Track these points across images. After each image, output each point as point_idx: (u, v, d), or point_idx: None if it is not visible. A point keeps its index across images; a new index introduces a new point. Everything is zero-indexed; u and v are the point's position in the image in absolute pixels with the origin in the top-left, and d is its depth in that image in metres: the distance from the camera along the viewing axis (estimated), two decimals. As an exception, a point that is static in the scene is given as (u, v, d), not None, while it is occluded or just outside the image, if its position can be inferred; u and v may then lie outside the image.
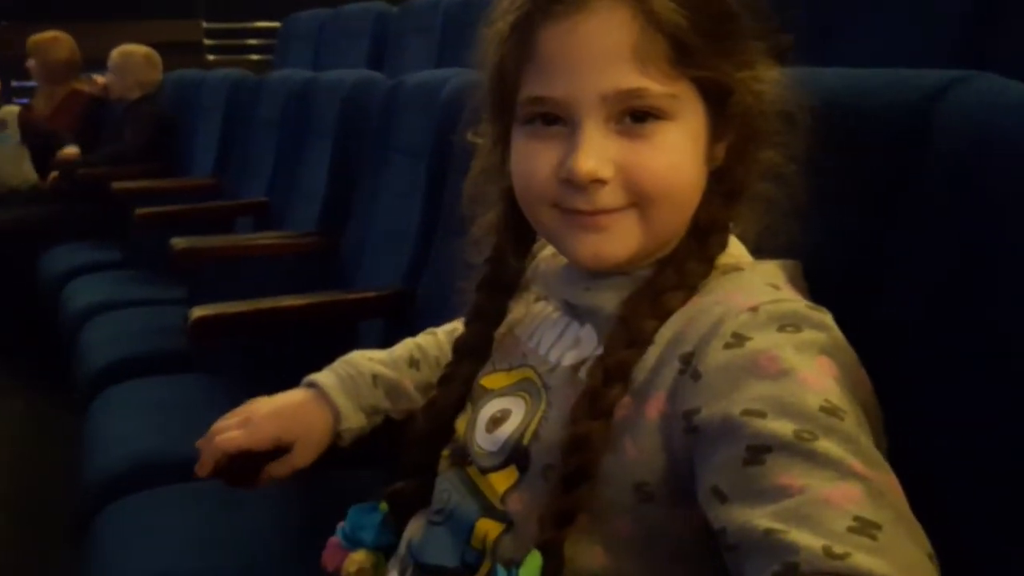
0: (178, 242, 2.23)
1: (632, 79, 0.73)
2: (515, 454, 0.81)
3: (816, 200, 0.78)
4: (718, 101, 0.77)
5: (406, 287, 1.82)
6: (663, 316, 0.76)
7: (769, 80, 0.79)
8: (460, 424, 0.90)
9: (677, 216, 0.79)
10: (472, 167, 0.92)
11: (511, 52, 0.78)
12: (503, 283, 0.93)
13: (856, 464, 0.61)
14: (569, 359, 0.82)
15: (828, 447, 0.61)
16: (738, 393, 0.66)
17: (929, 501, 0.63)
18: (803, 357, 0.67)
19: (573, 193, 0.76)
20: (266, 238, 2.48)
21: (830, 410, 0.64)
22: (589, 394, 0.75)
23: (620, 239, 0.77)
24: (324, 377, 1.04)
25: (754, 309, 0.71)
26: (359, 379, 1.03)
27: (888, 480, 0.62)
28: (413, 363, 1.07)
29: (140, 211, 2.82)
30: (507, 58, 0.79)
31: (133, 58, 4.01)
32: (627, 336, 0.76)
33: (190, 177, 3.60)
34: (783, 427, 0.63)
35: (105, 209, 3.43)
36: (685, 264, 0.78)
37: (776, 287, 0.75)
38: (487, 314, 0.93)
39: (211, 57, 8.03)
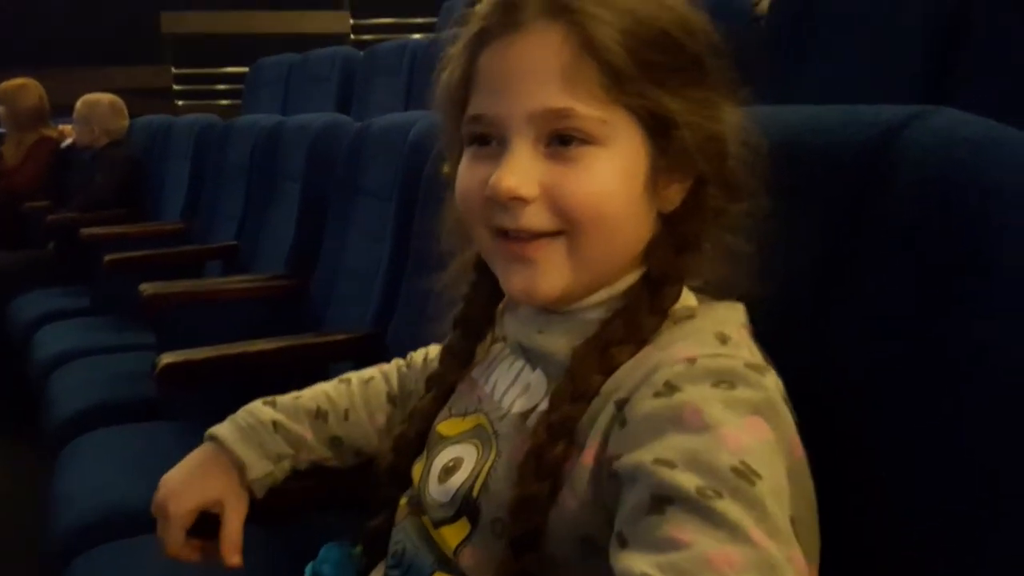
0: (147, 287, 2.22)
1: (559, 99, 0.73)
2: (465, 506, 0.79)
3: (773, 237, 0.79)
4: (662, 135, 0.76)
5: (375, 329, 1.81)
6: (610, 370, 0.74)
7: (730, 123, 0.78)
8: (416, 471, 0.88)
9: (610, 248, 0.77)
10: (446, 199, 0.91)
11: (460, 74, 0.79)
12: (476, 322, 0.92)
13: (754, 532, 0.59)
14: (519, 406, 0.81)
15: (728, 508, 0.60)
16: (657, 443, 0.64)
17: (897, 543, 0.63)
18: (731, 414, 0.65)
19: (500, 212, 0.75)
20: (235, 282, 2.47)
21: (742, 472, 0.62)
22: (535, 452, 0.73)
23: (550, 272, 0.76)
24: (223, 429, 1.01)
25: (691, 360, 0.69)
26: (259, 427, 1.01)
27: (789, 554, 0.60)
28: (320, 415, 1.04)
29: (109, 257, 2.81)
30: (456, 80, 0.79)
31: (98, 107, 4.01)
32: (572, 390, 0.74)
33: (159, 222, 3.59)
34: (688, 480, 0.61)
35: (74, 255, 3.42)
36: (636, 316, 0.76)
37: (725, 338, 0.73)
38: (458, 353, 0.92)
39: (180, 103, 8.04)
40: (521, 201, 0.74)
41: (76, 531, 1.63)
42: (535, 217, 0.74)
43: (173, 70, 8.51)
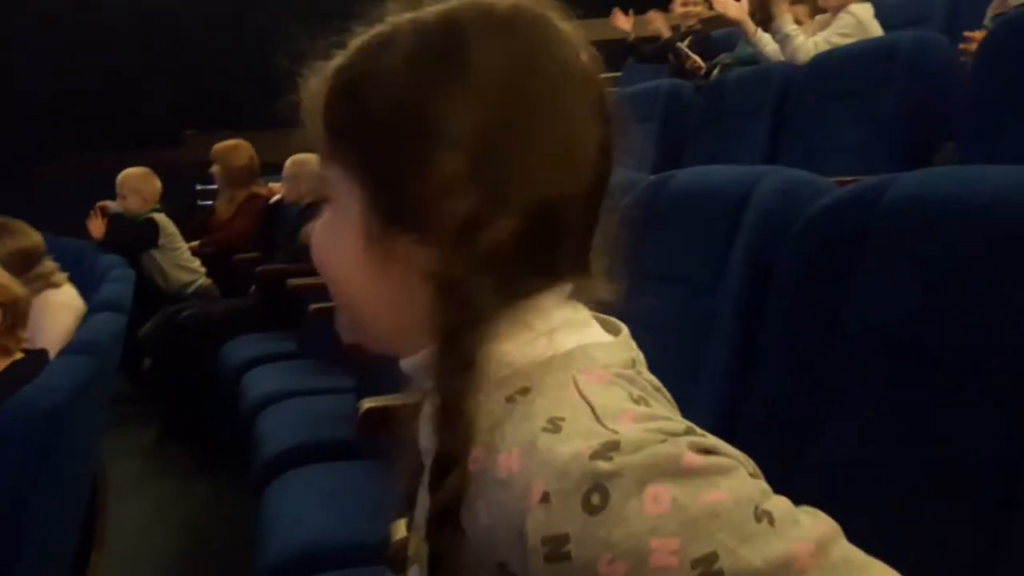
0: (349, 335, 2.31)
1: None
2: None
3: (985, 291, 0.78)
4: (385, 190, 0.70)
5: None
6: (453, 503, 0.63)
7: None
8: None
9: (354, 305, 0.75)
10: None
11: None
12: None
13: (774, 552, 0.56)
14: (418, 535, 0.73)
15: None
16: None
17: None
18: (636, 528, 0.57)
19: None
20: (432, 332, 2.53)
21: (706, 568, 0.56)
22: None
23: (344, 327, 0.79)
24: None
25: (546, 499, 0.58)
26: None
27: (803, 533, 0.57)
28: None
29: (314, 306, 2.94)
30: None
31: (306, 167, 4.20)
32: (445, 455, 0.65)
33: (361, 274, 3.72)
34: None
35: (280, 303, 3.59)
36: (444, 383, 0.67)
37: (557, 425, 0.61)
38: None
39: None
40: None
41: (281, 564, 1.72)
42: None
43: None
